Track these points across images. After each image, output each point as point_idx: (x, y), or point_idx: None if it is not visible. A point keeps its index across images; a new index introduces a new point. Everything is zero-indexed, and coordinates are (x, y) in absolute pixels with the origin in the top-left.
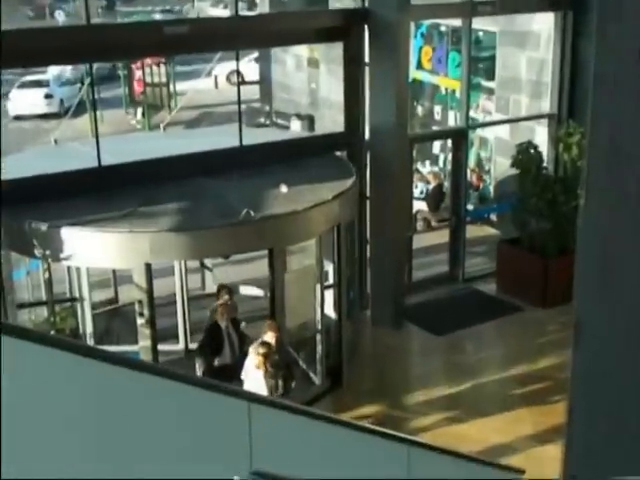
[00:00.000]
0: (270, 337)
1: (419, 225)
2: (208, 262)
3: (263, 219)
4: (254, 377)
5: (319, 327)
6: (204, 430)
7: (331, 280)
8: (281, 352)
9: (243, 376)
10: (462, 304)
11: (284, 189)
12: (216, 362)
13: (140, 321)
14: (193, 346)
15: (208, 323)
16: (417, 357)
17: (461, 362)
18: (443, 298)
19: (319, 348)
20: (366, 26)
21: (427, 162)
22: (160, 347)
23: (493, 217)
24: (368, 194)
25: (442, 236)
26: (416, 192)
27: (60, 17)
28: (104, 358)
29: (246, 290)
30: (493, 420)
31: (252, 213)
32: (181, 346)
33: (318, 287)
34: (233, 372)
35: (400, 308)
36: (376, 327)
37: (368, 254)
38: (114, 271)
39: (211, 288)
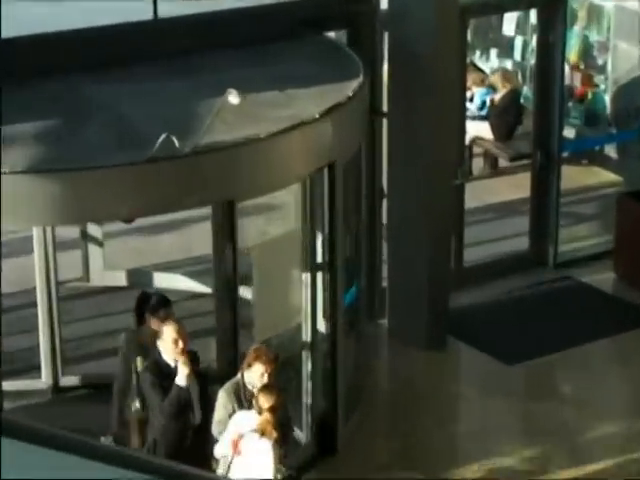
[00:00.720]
0: (258, 374)
1: (477, 165)
2: (95, 231)
3: (197, 153)
4: (258, 451)
5: (307, 344)
6: None
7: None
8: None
9: (221, 452)
10: (553, 308)
11: (234, 99)
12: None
13: None
14: (69, 381)
15: (148, 359)
16: (470, 403)
17: (552, 413)
18: (519, 297)
19: (307, 381)
20: None
21: (492, 51)
22: (7, 385)
23: (610, 151)
24: (385, 109)
25: (518, 185)
26: (471, 106)
27: None
28: None
29: (170, 282)
30: None
31: (176, 142)
32: (45, 382)
33: (306, 275)
34: (201, 446)
35: (440, 315)
36: (397, 348)
37: (384, 217)
38: None
39: (102, 278)
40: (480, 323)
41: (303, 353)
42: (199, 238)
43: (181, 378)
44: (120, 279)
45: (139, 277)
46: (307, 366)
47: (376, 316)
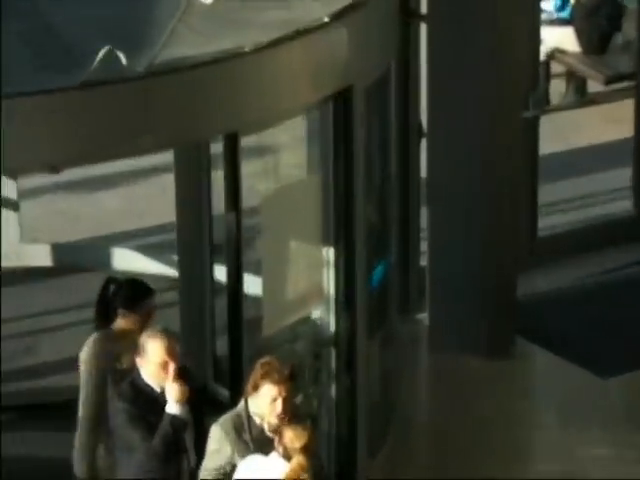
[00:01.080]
0: (268, 400)
1: (556, 90)
2: (8, 188)
3: (154, 74)
4: None
5: (328, 341)
6: None
7: None
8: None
9: None
10: None
11: None
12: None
13: None
14: None
15: (123, 383)
16: (550, 432)
17: None
18: (616, 281)
19: (319, 399)
20: None
21: None
22: None
23: None
24: (424, 10)
25: (617, 120)
26: (548, 6)
27: None
28: None
29: (119, 261)
30: None
31: (123, 58)
32: None
33: (327, 250)
34: None
35: (505, 307)
36: (443, 354)
37: (424, 167)
38: None
39: (18, 255)
40: (561, 319)
41: (312, 357)
42: (156, 198)
43: (172, 404)
44: (43, 256)
45: (71, 254)
46: (324, 375)
47: (412, 308)
